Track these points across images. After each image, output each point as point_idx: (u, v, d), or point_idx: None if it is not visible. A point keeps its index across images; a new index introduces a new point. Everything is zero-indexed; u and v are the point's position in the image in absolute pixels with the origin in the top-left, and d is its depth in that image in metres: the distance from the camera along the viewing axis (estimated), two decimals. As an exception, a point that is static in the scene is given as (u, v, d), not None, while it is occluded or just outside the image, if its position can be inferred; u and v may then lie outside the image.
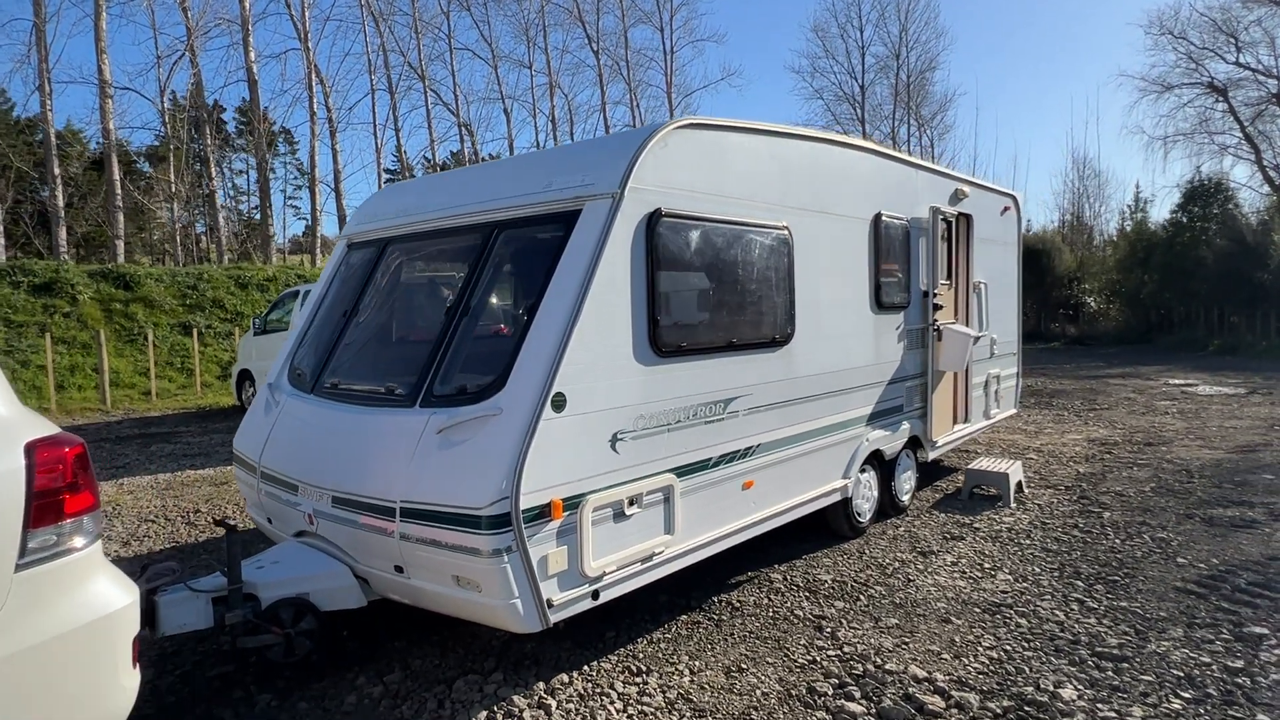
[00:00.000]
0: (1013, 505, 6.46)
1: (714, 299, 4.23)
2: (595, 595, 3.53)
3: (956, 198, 6.78)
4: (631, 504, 3.65)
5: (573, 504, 3.37)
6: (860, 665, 3.71)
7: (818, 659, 3.80)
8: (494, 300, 3.84)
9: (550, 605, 3.30)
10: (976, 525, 5.95)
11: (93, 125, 25.73)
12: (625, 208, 3.59)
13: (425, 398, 3.60)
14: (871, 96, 40.36)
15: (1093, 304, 29.50)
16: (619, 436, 3.60)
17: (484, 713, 3.34)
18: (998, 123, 62.91)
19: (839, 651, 3.87)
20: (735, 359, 4.29)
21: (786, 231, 4.63)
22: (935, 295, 6.32)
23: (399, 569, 3.47)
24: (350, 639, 4.09)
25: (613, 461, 3.57)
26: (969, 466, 6.87)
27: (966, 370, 7.08)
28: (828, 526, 5.58)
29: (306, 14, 25.96)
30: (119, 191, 21.43)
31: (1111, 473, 7.61)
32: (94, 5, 20.75)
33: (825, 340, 5.03)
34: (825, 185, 5.05)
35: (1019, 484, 6.84)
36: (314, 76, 26.87)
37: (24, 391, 13.68)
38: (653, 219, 3.73)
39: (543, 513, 3.24)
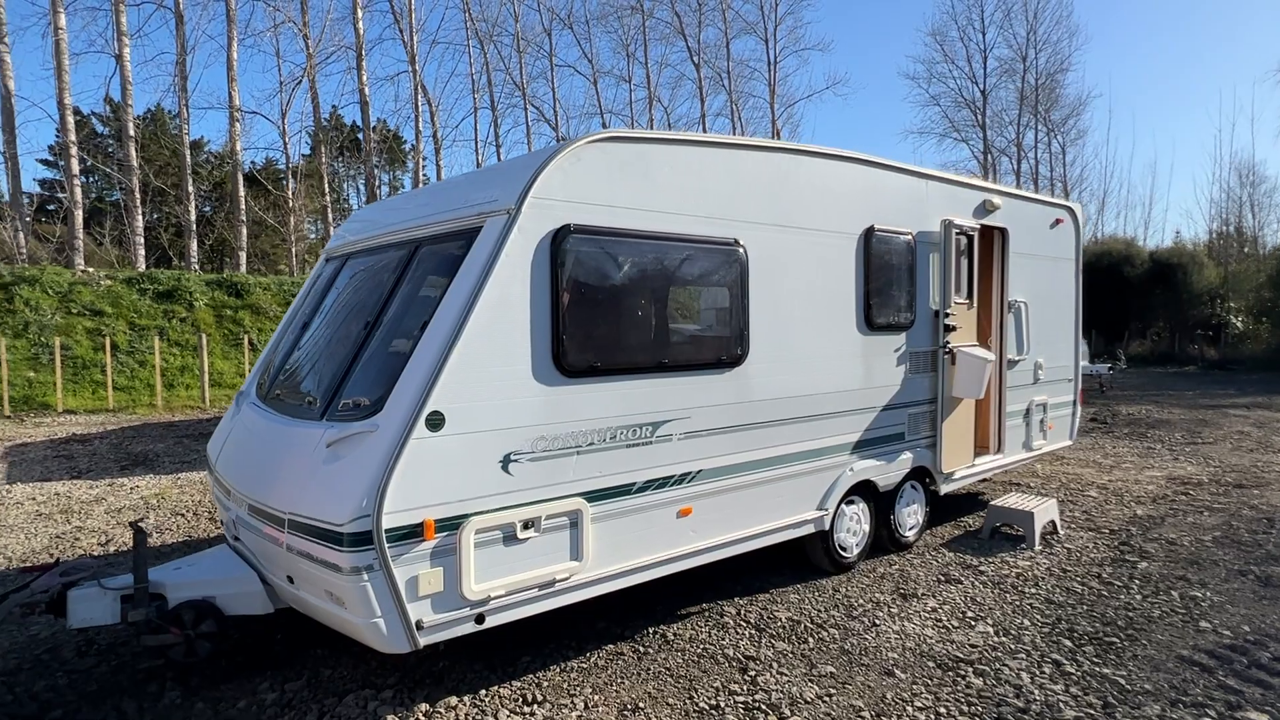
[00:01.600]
0: (1036, 548, 5.84)
1: (640, 317, 4.06)
2: (480, 619, 3.44)
3: (984, 210, 6.24)
4: (527, 527, 3.54)
5: (451, 525, 3.30)
6: (763, 717, 3.43)
7: (722, 705, 3.54)
8: (404, 316, 3.84)
9: (420, 627, 3.25)
10: (982, 568, 5.41)
11: (223, 146, 28.23)
12: (523, 223, 3.51)
13: (330, 411, 3.64)
14: (994, 101, 38.09)
15: (1239, 324, 26.53)
16: (513, 458, 3.50)
17: (356, 730, 3.33)
18: (1135, 126, 57.55)
19: (749, 699, 3.60)
20: (668, 380, 4.09)
21: (738, 247, 4.39)
22: (948, 315, 5.83)
23: (290, 579, 3.53)
24: (281, 643, 4.19)
25: (504, 483, 3.48)
26: (994, 503, 6.27)
27: (1000, 397, 6.51)
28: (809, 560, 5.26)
29: (414, 38, 27.41)
30: (242, 207, 23.38)
31: (1174, 517, 6.75)
32: (226, 38, 22.81)
33: (792, 362, 4.73)
34: (793, 197, 4.75)
35: (1050, 524, 6.18)
36: (421, 96, 28.36)
37: (139, 389, 15.11)
38: (559, 235, 3.62)
39: (413, 532, 3.20)
